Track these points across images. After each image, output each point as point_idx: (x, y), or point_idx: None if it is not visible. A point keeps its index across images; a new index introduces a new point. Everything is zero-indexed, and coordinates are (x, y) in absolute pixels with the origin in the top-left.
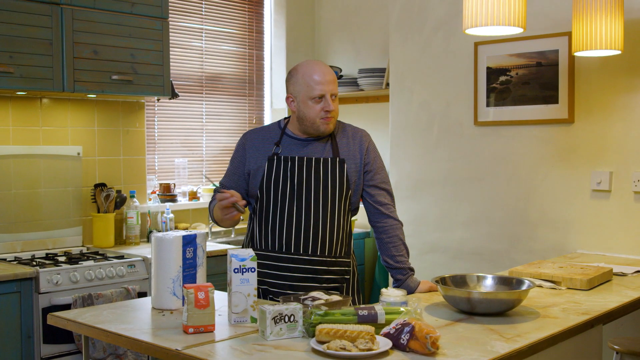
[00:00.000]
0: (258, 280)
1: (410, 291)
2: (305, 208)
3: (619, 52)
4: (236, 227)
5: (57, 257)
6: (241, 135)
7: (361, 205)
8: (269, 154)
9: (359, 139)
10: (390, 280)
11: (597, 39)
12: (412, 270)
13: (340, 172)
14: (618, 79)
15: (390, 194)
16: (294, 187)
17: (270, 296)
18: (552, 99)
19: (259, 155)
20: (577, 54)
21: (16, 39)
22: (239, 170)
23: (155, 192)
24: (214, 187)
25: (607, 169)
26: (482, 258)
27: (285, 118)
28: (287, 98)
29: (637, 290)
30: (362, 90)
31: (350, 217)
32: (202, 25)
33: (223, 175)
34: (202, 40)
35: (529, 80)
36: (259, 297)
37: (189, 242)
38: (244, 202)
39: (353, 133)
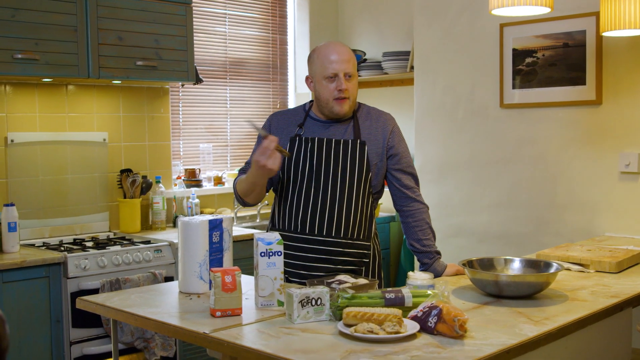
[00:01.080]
0: None
1: (437, 275)
2: (322, 189)
3: None
4: (262, 211)
5: (85, 243)
6: (266, 118)
7: (386, 189)
8: (292, 135)
9: (382, 122)
10: (416, 264)
11: (626, 19)
12: (438, 253)
13: (360, 154)
14: None
15: (415, 177)
16: (312, 167)
17: (286, 276)
18: (580, 80)
19: (283, 136)
20: (605, 34)
21: (41, 26)
22: None
23: (180, 178)
24: (239, 169)
25: (636, 151)
26: (509, 241)
27: (310, 101)
28: (306, 79)
29: None
30: (386, 73)
31: (372, 201)
32: (225, 10)
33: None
34: (225, 25)
35: (556, 62)
36: None
37: (215, 226)
38: (285, 151)
39: (377, 116)
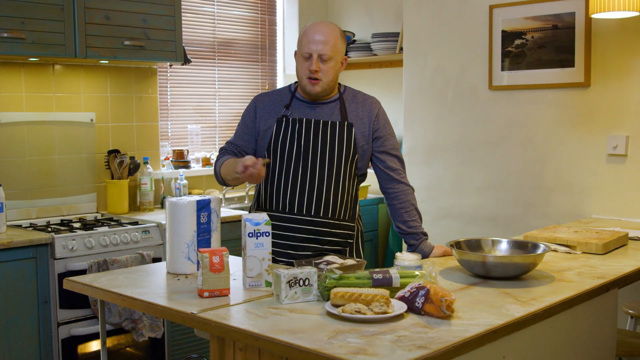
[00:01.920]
0: None
1: (425, 255)
2: (310, 169)
3: (637, 13)
4: (250, 192)
5: (72, 223)
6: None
7: (371, 171)
8: (279, 115)
9: (368, 105)
10: (404, 245)
11: (615, 0)
12: (425, 235)
13: (347, 135)
14: (636, 42)
15: (400, 160)
16: (300, 148)
17: (273, 256)
18: (568, 62)
19: (269, 116)
20: (594, 15)
21: (28, 5)
22: (250, 130)
23: (168, 159)
24: (220, 147)
25: (624, 133)
26: (497, 223)
27: (296, 82)
28: (294, 54)
29: None
30: (375, 55)
31: (357, 182)
32: None
33: (232, 136)
34: (214, 5)
35: (545, 44)
36: None
37: (203, 206)
38: (265, 160)
39: (363, 99)
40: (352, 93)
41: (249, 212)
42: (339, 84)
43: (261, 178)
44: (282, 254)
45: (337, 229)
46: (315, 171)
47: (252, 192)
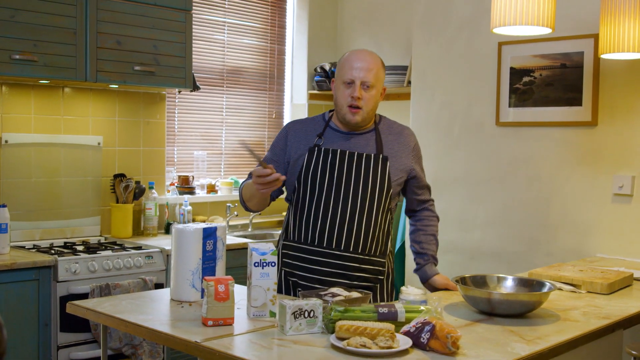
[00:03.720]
0: (288, 272)
1: (425, 278)
2: (342, 202)
3: None
4: (254, 220)
5: (76, 246)
6: (264, 128)
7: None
8: (311, 144)
9: (405, 137)
10: (407, 279)
11: (625, 42)
12: (435, 259)
13: (382, 169)
14: None
15: (429, 189)
16: (332, 180)
17: (299, 289)
18: (576, 101)
19: (301, 145)
20: (603, 56)
21: (40, 28)
22: (280, 158)
23: (173, 184)
24: (249, 173)
25: (630, 173)
26: (500, 259)
27: (330, 111)
28: (331, 81)
29: None
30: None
31: (390, 216)
32: (224, 18)
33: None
34: (224, 33)
35: (553, 82)
36: (287, 289)
37: (210, 234)
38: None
39: (399, 131)
40: (388, 124)
41: (278, 242)
42: (376, 113)
43: (279, 182)
44: (309, 287)
45: (367, 264)
46: (347, 204)
47: (256, 220)
